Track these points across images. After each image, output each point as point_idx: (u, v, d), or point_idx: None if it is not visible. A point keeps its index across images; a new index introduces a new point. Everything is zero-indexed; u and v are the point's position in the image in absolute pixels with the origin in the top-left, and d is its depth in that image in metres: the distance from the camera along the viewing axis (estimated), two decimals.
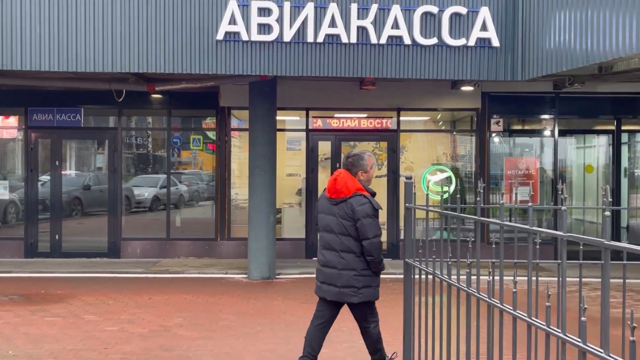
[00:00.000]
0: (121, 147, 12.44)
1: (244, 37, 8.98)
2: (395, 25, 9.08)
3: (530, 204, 2.86)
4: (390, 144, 12.40)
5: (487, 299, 3.19)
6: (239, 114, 12.31)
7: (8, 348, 6.16)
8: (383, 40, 9.09)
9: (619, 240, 11.43)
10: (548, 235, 2.82)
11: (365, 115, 12.39)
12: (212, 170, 12.66)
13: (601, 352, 2.24)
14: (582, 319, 2.35)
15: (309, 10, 9.00)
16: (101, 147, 12.99)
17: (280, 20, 9.00)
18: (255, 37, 8.99)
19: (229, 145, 12.31)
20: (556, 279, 9.11)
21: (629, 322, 2.21)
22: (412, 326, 4.55)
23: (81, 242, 12.40)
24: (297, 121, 12.53)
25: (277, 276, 10.43)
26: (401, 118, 12.36)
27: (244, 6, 9.00)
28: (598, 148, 13.36)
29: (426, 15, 9.15)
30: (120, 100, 11.50)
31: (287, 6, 8.99)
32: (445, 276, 3.81)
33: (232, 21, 8.98)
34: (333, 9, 9.01)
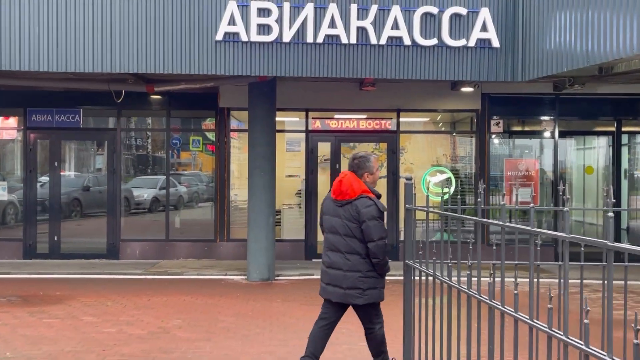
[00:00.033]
0: (120, 148, 12.41)
1: (244, 37, 8.95)
2: (395, 26, 9.06)
3: (531, 205, 2.83)
4: (390, 145, 12.37)
5: (488, 301, 3.16)
6: (239, 114, 12.28)
7: (6, 350, 6.13)
8: (383, 41, 9.06)
9: (619, 242, 11.38)
10: (550, 236, 2.79)
11: (365, 116, 12.36)
12: (211, 172, 12.63)
13: (604, 355, 2.21)
14: (585, 321, 2.32)
15: (308, 10, 8.97)
16: (100, 148, 12.96)
17: (279, 20, 8.97)
18: (255, 37, 8.96)
19: (228, 146, 12.28)
20: (556, 280, 9.09)
21: (632, 325, 2.17)
22: (412, 328, 4.52)
23: (80, 243, 12.37)
24: (296, 122, 12.50)
25: (276, 278, 10.40)
26: (401, 119, 12.33)
27: (244, 6, 8.97)
28: (598, 149, 13.34)
29: (426, 15, 9.13)
30: (120, 101, 11.47)
31: (286, 7, 8.96)
32: (446, 278, 3.78)
33: (232, 22, 8.95)
34: (333, 9, 8.98)
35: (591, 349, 2.31)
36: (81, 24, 8.91)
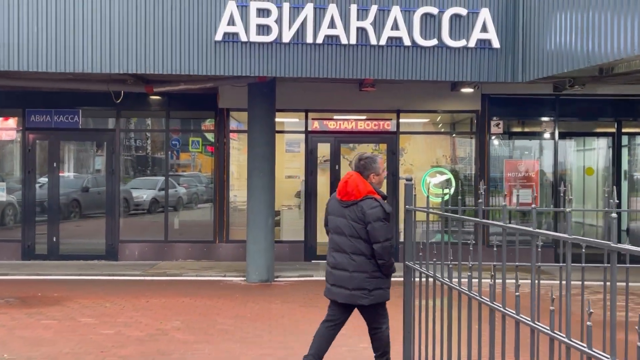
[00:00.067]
0: (119, 148, 12.37)
1: (243, 38, 8.92)
2: (395, 27, 9.03)
3: (533, 205, 2.80)
4: (389, 146, 12.33)
5: (489, 303, 3.12)
6: (238, 115, 12.25)
7: (3, 351, 6.09)
8: (383, 42, 9.03)
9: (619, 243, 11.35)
10: (551, 237, 2.76)
11: (364, 117, 12.33)
12: (210, 173, 12.59)
13: (608, 358, 2.18)
14: (588, 323, 2.28)
15: (308, 11, 8.94)
16: (100, 149, 12.92)
17: (279, 21, 8.94)
18: (254, 38, 8.93)
19: (227, 147, 12.25)
20: (556, 282, 9.06)
21: (636, 327, 2.14)
22: (412, 329, 4.48)
23: (79, 244, 12.33)
24: (296, 123, 12.47)
25: (275, 279, 10.36)
26: (401, 120, 12.30)
27: (243, 7, 8.94)
28: (598, 150, 13.31)
29: (426, 16, 9.10)
30: (119, 101, 11.43)
31: (286, 7, 8.93)
32: (446, 279, 3.74)
33: (231, 22, 8.92)
34: (332, 9, 8.95)
35: (594, 351, 2.27)
36: (80, 23, 8.88)
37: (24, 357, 5.94)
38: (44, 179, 12.46)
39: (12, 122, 12.43)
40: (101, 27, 8.89)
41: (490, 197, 12.39)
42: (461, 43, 9.12)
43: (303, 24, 8.96)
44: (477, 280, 3.35)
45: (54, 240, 12.18)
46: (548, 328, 2.60)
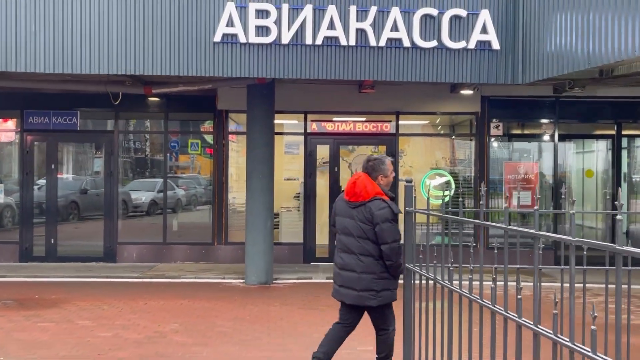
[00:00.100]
0: (118, 150, 12.33)
1: (242, 39, 8.89)
2: (395, 28, 9.00)
3: (536, 207, 2.75)
4: (389, 148, 12.29)
5: (490, 306, 3.08)
6: (237, 117, 12.21)
7: None
8: (382, 43, 9.00)
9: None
10: (555, 240, 2.72)
11: (364, 119, 12.30)
12: (210, 175, 12.55)
13: None
14: (592, 327, 2.24)
15: (307, 12, 8.90)
16: (98, 151, 12.88)
17: (278, 22, 8.91)
18: (253, 39, 8.89)
19: (226, 148, 12.21)
20: (556, 284, 9.02)
21: None
22: (412, 332, 4.44)
23: (77, 246, 12.28)
24: (295, 125, 12.43)
25: (274, 281, 10.31)
26: (400, 122, 12.26)
27: (242, 8, 8.91)
28: (597, 153, 13.28)
29: (426, 17, 9.06)
30: (117, 103, 11.39)
31: (285, 8, 8.89)
32: (447, 282, 3.70)
33: (230, 23, 8.88)
34: (332, 11, 8.92)
35: (599, 356, 2.23)
36: (78, 24, 8.83)
37: None
38: (42, 181, 12.42)
39: (10, 123, 12.39)
40: (99, 28, 8.85)
41: (490, 200, 12.35)
42: (461, 44, 9.09)
43: (302, 25, 8.92)
44: (477, 282, 3.31)
45: (52, 242, 12.13)
46: (551, 332, 2.56)
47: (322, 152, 12.35)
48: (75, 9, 8.84)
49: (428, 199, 4.16)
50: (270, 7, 8.89)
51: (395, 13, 8.97)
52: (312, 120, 12.28)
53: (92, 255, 12.08)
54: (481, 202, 3.30)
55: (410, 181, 4.61)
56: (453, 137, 13.08)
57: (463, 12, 9.08)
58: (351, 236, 4.93)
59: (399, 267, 4.88)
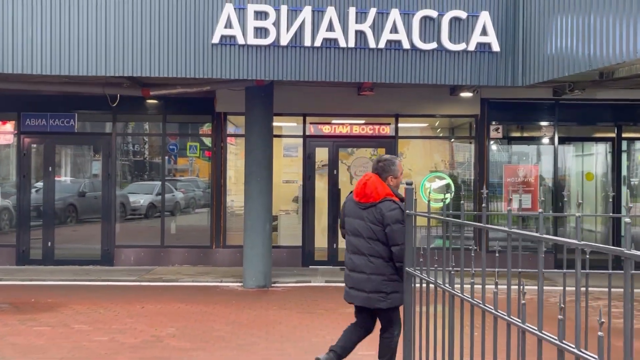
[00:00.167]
0: (115, 153, 12.26)
1: (240, 40, 8.83)
2: (394, 30, 8.94)
3: (540, 210, 2.69)
4: (388, 151, 12.21)
5: (493, 311, 3.01)
6: (235, 119, 12.15)
7: None
8: (382, 45, 8.94)
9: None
10: (559, 243, 2.65)
11: (363, 121, 12.24)
12: (208, 177, 12.48)
13: None
14: (600, 333, 2.18)
15: (306, 13, 8.85)
16: (97, 154, 12.81)
17: (277, 23, 8.85)
18: (252, 40, 8.83)
19: (225, 151, 12.14)
20: (556, 288, 8.96)
21: None
22: (412, 337, 4.37)
23: (74, 249, 12.21)
24: (294, 127, 12.37)
25: (272, 285, 10.24)
26: (399, 124, 12.20)
27: (241, 9, 8.85)
28: (597, 156, 13.23)
29: (425, 19, 9.01)
30: (115, 105, 11.33)
31: (284, 9, 8.84)
32: (448, 286, 3.64)
33: (228, 24, 8.82)
34: (331, 12, 8.86)
35: None
36: (75, 25, 8.77)
37: None
38: (40, 184, 12.35)
39: (7, 126, 12.32)
40: (96, 29, 8.79)
41: (490, 202, 12.29)
42: (461, 46, 9.04)
43: (301, 27, 8.86)
44: (479, 286, 3.24)
45: (49, 245, 12.05)
46: (556, 337, 2.49)
47: (321, 154, 12.29)
48: (72, 10, 8.78)
49: (429, 201, 4.09)
50: (269, 9, 8.84)
51: (394, 15, 8.92)
52: (311, 123, 12.22)
53: (89, 258, 12.00)
54: (483, 205, 3.23)
55: (411, 184, 4.55)
56: (452, 139, 13.03)
57: (463, 14, 9.03)
58: (361, 237, 4.91)
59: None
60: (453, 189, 12.14)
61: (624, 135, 12.52)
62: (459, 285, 3.48)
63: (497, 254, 3.54)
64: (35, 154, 12.38)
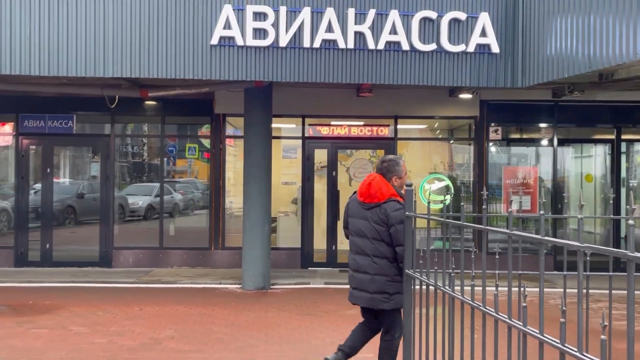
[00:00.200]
0: (114, 154, 12.23)
1: (239, 41, 8.81)
2: (393, 31, 8.92)
3: (542, 212, 2.67)
4: (387, 152, 12.18)
5: (494, 314, 2.99)
6: (234, 121, 12.13)
7: None
8: (381, 46, 8.92)
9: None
10: (560, 245, 2.62)
11: (362, 122, 12.21)
12: (207, 179, 12.45)
13: None
14: (602, 337, 2.15)
15: (305, 14, 8.83)
16: (95, 155, 12.78)
17: (276, 24, 8.83)
18: (251, 42, 8.81)
19: (223, 153, 12.11)
20: (556, 289, 8.94)
21: None
22: (412, 339, 4.34)
23: (73, 251, 12.17)
24: (293, 129, 12.35)
25: (271, 286, 10.21)
26: (398, 126, 12.18)
27: (239, 10, 8.83)
28: (596, 157, 13.21)
29: (425, 20, 9.00)
30: (113, 106, 11.30)
31: (283, 10, 8.82)
32: (448, 289, 3.61)
33: (227, 25, 8.80)
34: (330, 13, 8.84)
35: None
36: (73, 26, 8.75)
37: None
38: (38, 185, 12.31)
39: (5, 127, 12.28)
40: (95, 31, 8.76)
41: (489, 204, 12.26)
42: (460, 48, 9.02)
43: (300, 28, 8.84)
44: (479, 289, 3.22)
45: (47, 247, 12.02)
46: (558, 341, 2.47)
47: (320, 156, 12.27)
48: (70, 11, 8.75)
49: (429, 203, 4.07)
50: (268, 10, 8.81)
51: (394, 16, 8.90)
52: (310, 124, 12.20)
53: (87, 260, 11.96)
54: (484, 206, 3.20)
55: (410, 185, 4.53)
56: (452, 141, 13.01)
57: (462, 15, 9.01)
58: (365, 238, 4.89)
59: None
60: (452, 190, 12.12)
61: (623, 136, 12.50)
62: (458, 287, 3.46)
63: (497, 256, 3.52)
64: (33, 156, 12.35)
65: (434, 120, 12.65)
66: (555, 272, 8.90)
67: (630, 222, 2.03)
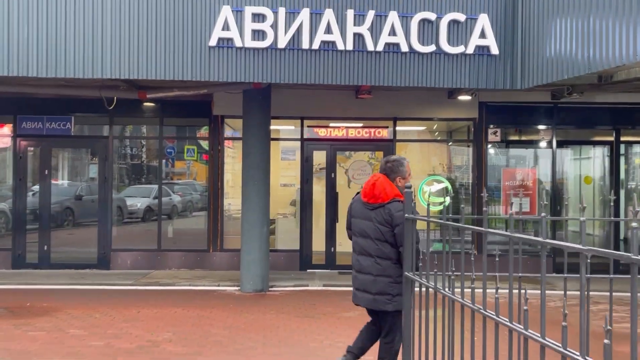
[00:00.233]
0: (112, 156, 12.19)
1: (238, 43, 8.78)
2: (392, 32, 8.90)
3: (544, 214, 2.64)
4: (386, 154, 12.17)
5: (494, 317, 2.96)
6: (233, 122, 12.10)
7: None
8: (380, 47, 8.90)
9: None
10: (562, 247, 2.60)
11: (361, 124, 12.19)
12: (205, 181, 12.42)
13: None
14: (606, 341, 2.12)
15: (304, 16, 8.81)
16: (94, 157, 12.74)
17: (274, 26, 8.81)
18: (249, 43, 8.79)
19: (222, 154, 12.08)
20: (555, 292, 8.91)
21: None
22: (411, 342, 4.31)
23: (71, 253, 12.13)
24: (291, 130, 12.32)
25: (270, 289, 10.18)
26: (397, 128, 12.16)
27: (238, 11, 8.80)
28: (595, 159, 13.19)
29: (424, 22, 8.98)
30: (111, 108, 11.27)
31: (282, 12, 8.80)
32: (449, 291, 3.58)
33: (226, 27, 8.77)
34: (329, 15, 8.82)
35: None
36: (71, 28, 8.72)
37: None
38: (37, 187, 12.28)
39: (3, 129, 12.24)
40: (93, 32, 8.74)
41: (488, 206, 12.23)
42: (459, 49, 9.00)
43: (299, 30, 8.82)
44: (479, 291, 3.19)
45: (45, 248, 11.97)
46: (559, 344, 2.44)
47: (319, 158, 12.24)
48: (69, 12, 8.72)
49: (428, 205, 4.04)
50: (267, 11, 8.79)
51: (393, 17, 8.88)
52: (308, 126, 12.17)
53: (85, 262, 11.92)
54: (484, 208, 3.18)
55: (410, 187, 4.50)
56: (450, 143, 12.99)
57: (461, 17, 9.00)
58: (368, 238, 4.87)
59: (417, 270, 4.78)
60: (451, 192, 12.10)
61: (622, 138, 12.49)
62: (458, 290, 3.43)
63: (497, 259, 3.49)
64: (31, 157, 12.31)
65: (433, 122, 12.63)
66: (555, 275, 8.90)
67: (634, 224, 2.01)
